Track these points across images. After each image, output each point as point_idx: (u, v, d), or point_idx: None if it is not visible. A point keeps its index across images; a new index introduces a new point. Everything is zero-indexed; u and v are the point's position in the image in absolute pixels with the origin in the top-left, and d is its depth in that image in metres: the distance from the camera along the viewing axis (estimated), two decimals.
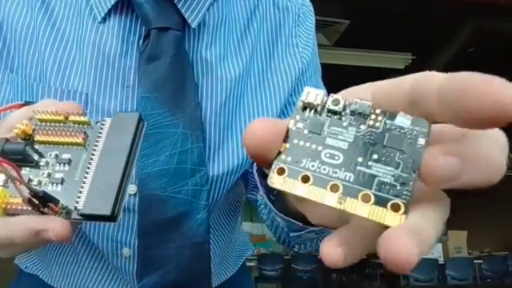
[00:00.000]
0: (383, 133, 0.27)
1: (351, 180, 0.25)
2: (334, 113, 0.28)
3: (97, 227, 0.68)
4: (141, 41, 0.69)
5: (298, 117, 0.28)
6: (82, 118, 0.35)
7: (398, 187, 0.25)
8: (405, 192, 0.25)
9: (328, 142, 0.27)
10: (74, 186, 0.33)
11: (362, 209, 0.25)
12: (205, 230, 0.64)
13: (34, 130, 0.36)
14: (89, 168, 0.33)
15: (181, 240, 0.63)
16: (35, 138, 0.35)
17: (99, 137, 0.35)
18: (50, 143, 0.35)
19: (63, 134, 0.35)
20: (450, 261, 6.78)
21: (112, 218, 0.31)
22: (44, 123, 0.36)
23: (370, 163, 0.26)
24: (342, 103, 0.28)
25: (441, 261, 6.78)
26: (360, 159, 0.26)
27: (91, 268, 0.72)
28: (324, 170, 0.26)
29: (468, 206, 5.95)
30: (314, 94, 0.28)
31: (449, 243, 7.43)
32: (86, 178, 0.33)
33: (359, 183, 0.25)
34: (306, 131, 0.28)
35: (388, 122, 0.27)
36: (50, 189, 0.33)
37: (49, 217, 0.33)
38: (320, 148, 0.27)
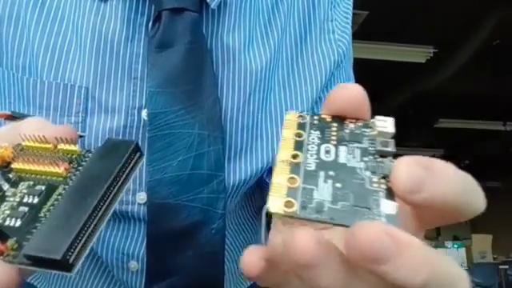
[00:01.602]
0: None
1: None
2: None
3: (101, 237, 0.64)
4: (150, 23, 0.62)
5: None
6: (72, 147, 0.32)
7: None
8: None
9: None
10: (34, 222, 0.29)
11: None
12: (220, 239, 0.59)
13: (13, 157, 0.33)
14: (58, 202, 0.29)
15: (193, 250, 0.59)
16: (12, 166, 0.32)
17: (82, 166, 0.31)
18: (27, 172, 0.32)
19: (45, 162, 0.32)
20: (474, 266, 6.73)
21: (65, 265, 0.26)
22: (29, 150, 0.33)
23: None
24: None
25: (464, 266, 6.73)
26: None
27: (93, 280, 0.68)
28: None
29: (493, 208, 5.89)
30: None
31: (473, 248, 7.37)
32: (49, 213, 0.29)
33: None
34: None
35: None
36: (7, 223, 0.29)
37: None
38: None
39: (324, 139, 0.28)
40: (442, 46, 5.19)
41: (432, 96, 6.37)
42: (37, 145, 0.33)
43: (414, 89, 6.09)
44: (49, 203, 0.30)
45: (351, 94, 0.28)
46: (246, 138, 0.66)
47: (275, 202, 0.25)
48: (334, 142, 0.28)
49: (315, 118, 0.29)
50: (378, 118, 0.29)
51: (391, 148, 0.27)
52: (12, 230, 0.28)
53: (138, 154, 0.32)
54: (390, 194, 0.25)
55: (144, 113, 0.62)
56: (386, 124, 0.28)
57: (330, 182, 0.26)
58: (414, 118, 7.33)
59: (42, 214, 0.29)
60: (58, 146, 0.33)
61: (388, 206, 0.24)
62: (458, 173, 0.26)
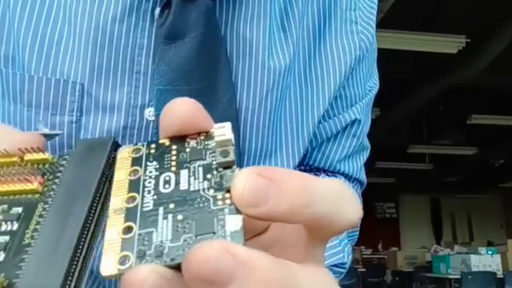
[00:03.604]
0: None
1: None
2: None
3: (98, 253, 0.61)
4: (157, 10, 0.58)
5: None
6: (41, 155, 0.29)
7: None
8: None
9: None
10: (20, 253, 0.26)
11: None
12: None
13: None
14: (41, 226, 0.26)
15: None
16: None
17: (59, 177, 0.28)
18: None
19: (14, 180, 0.29)
20: (510, 274, 6.67)
21: None
22: None
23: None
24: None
25: (499, 274, 6.68)
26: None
27: None
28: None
29: None
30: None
31: (508, 254, 7.31)
32: (34, 240, 0.26)
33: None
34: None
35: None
36: None
37: None
38: None
39: (163, 168, 0.27)
40: (476, 35, 5.14)
41: (464, 90, 6.32)
42: (0, 160, 0.29)
43: (445, 82, 6.04)
44: (31, 227, 0.27)
45: (178, 113, 0.27)
46: (261, 141, 0.64)
47: (107, 264, 0.23)
48: (174, 168, 0.27)
49: (152, 146, 0.28)
50: (215, 126, 0.28)
51: (231, 156, 0.26)
52: None
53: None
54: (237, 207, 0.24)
55: (148, 112, 0.59)
56: (224, 131, 0.27)
57: (170, 217, 0.25)
58: (445, 114, 7.28)
59: (26, 242, 0.26)
60: (25, 157, 0.29)
61: (232, 222, 0.24)
62: (311, 182, 0.24)
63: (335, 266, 0.69)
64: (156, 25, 0.58)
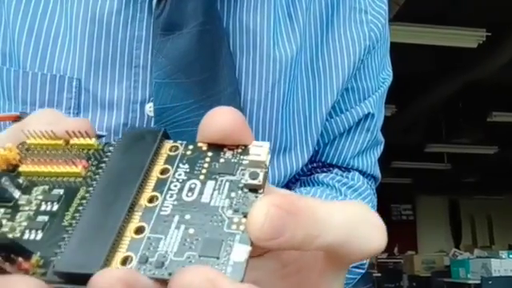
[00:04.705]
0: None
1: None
2: None
3: None
4: (154, 0, 0.58)
5: None
6: (88, 141, 0.30)
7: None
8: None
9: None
10: (59, 233, 0.27)
11: None
12: None
13: (20, 158, 0.31)
14: (83, 208, 0.28)
15: None
16: (20, 169, 0.30)
17: (105, 164, 0.29)
18: (39, 174, 0.30)
19: (58, 161, 0.30)
20: None
21: None
22: (37, 149, 0.31)
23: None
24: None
25: None
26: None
27: None
28: None
29: None
30: None
31: None
32: (76, 221, 0.27)
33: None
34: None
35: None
36: (27, 237, 0.27)
37: (9, 278, 0.24)
38: None
39: (192, 174, 0.28)
40: (496, 28, 5.12)
41: (484, 86, 6.29)
42: (45, 142, 0.31)
43: (465, 78, 6.01)
44: (71, 209, 0.28)
45: (223, 121, 0.27)
46: (269, 137, 0.64)
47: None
48: (203, 177, 0.27)
49: (190, 147, 0.29)
50: (254, 143, 0.28)
51: (259, 180, 0.26)
52: (34, 243, 0.27)
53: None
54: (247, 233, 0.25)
55: (148, 107, 0.59)
56: (260, 150, 0.27)
57: (182, 228, 0.25)
58: (464, 112, 7.25)
59: (65, 223, 0.27)
60: (71, 141, 0.31)
61: (239, 252, 0.24)
62: (328, 209, 0.25)
63: (354, 266, 0.69)
64: (153, 16, 0.58)
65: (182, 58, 0.56)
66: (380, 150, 0.81)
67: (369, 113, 0.74)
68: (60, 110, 0.59)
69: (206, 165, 0.28)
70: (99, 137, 0.32)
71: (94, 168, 0.30)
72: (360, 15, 0.69)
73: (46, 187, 0.29)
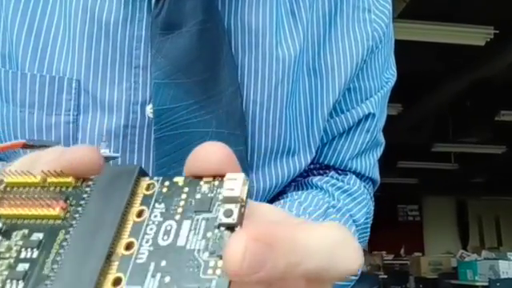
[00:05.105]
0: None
1: None
2: None
3: None
4: (153, 0, 0.58)
5: None
6: (65, 179, 0.30)
7: None
8: None
9: None
10: (39, 283, 0.27)
11: None
12: None
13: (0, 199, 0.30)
14: (63, 255, 0.27)
15: None
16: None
17: (82, 204, 0.29)
18: (18, 217, 0.29)
19: (36, 203, 0.29)
20: None
21: None
22: (16, 188, 0.30)
23: None
24: None
25: None
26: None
27: None
28: None
29: None
30: None
31: None
32: (54, 272, 0.26)
33: None
34: None
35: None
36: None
37: None
38: None
39: (168, 214, 0.27)
40: (505, 26, 5.11)
41: (492, 84, 6.28)
42: (21, 180, 0.30)
43: (472, 76, 6.00)
44: (51, 256, 0.27)
45: (207, 162, 0.27)
46: (272, 139, 0.63)
47: None
48: (179, 217, 0.27)
49: (166, 183, 0.28)
50: (228, 176, 0.27)
51: (233, 218, 0.25)
52: None
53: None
54: (225, 275, 0.24)
55: (149, 109, 0.59)
56: (234, 184, 0.26)
57: (158, 276, 0.25)
58: (471, 110, 7.23)
59: (46, 272, 0.27)
60: (49, 180, 0.30)
61: None
62: (306, 235, 0.25)
63: None
64: (152, 15, 0.57)
65: (182, 57, 0.56)
66: (380, 151, 0.80)
67: (369, 113, 0.73)
68: (59, 112, 0.59)
69: (181, 202, 0.27)
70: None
71: (72, 208, 0.29)
72: (363, 14, 0.69)
73: (26, 231, 0.29)
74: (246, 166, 0.59)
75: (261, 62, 0.61)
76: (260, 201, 0.64)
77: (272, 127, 0.63)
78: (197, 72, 0.56)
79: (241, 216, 0.26)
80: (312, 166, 0.76)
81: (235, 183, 0.26)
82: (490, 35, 5.25)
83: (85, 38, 0.58)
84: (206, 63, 0.57)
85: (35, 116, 0.59)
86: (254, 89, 0.61)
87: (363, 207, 0.74)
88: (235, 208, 0.26)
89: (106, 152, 0.60)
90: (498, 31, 5.17)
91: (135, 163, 0.60)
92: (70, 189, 0.30)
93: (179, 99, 0.56)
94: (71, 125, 0.59)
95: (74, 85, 0.58)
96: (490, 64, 5.69)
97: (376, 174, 0.80)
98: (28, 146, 0.39)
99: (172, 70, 0.56)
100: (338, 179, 0.75)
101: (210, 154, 0.27)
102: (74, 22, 0.58)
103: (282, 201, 0.68)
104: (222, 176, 0.27)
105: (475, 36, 5.28)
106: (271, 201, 0.71)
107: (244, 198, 0.26)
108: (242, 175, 0.27)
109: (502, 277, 6.67)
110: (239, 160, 0.59)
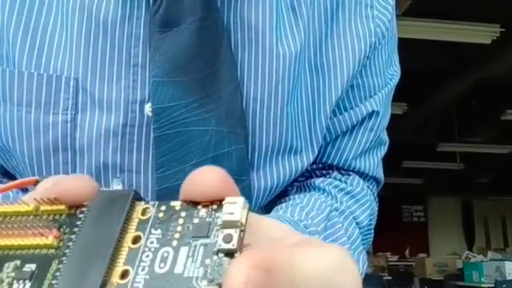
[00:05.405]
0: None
1: None
2: None
3: None
4: None
5: None
6: (58, 206, 0.29)
7: None
8: None
9: None
10: None
11: None
12: None
13: None
14: (55, 284, 0.26)
15: None
16: None
17: (76, 231, 0.28)
18: (10, 248, 0.29)
19: (29, 232, 0.29)
20: None
21: None
22: (8, 218, 0.30)
23: None
24: None
25: None
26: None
27: None
28: None
29: None
30: None
31: None
32: None
33: None
34: None
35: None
36: None
37: None
38: None
39: (165, 240, 0.27)
40: (511, 24, 5.10)
41: (499, 83, 6.27)
42: (13, 209, 0.30)
43: (478, 75, 6.00)
44: (45, 286, 0.27)
45: (204, 187, 0.27)
46: (273, 137, 0.63)
47: None
48: (176, 243, 0.26)
49: (162, 208, 0.28)
50: (227, 199, 0.26)
51: (233, 244, 0.25)
52: None
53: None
54: None
55: (148, 107, 0.59)
56: (233, 208, 0.26)
57: None
58: (477, 110, 7.22)
59: None
60: (41, 207, 0.29)
61: None
62: (304, 259, 0.24)
63: None
64: (150, 13, 0.57)
65: (181, 55, 0.56)
66: (384, 150, 0.80)
67: (373, 111, 0.73)
68: (57, 111, 0.59)
69: (179, 228, 0.27)
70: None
71: (65, 236, 0.28)
72: (366, 10, 0.68)
73: (18, 262, 0.28)
74: (247, 165, 0.59)
75: (261, 59, 0.61)
76: (261, 201, 0.64)
77: (273, 125, 0.62)
78: (196, 70, 0.56)
79: (240, 241, 0.25)
80: (315, 166, 0.75)
81: (235, 207, 0.26)
82: (496, 33, 5.24)
83: (82, 37, 0.58)
84: (205, 61, 0.56)
85: (32, 115, 0.59)
86: (254, 86, 0.61)
87: (366, 209, 0.74)
88: (235, 233, 0.25)
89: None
90: (504, 29, 5.16)
91: (134, 162, 0.60)
92: (63, 216, 0.29)
93: (178, 97, 0.55)
94: (69, 124, 0.59)
95: (71, 83, 0.58)
96: (496, 62, 5.68)
97: (380, 174, 0.79)
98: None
99: (171, 68, 0.56)
100: (340, 180, 0.75)
101: (208, 178, 0.26)
102: (72, 20, 0.58)
103: (283, 204, 0.68)
104: (220, 201, 0.27)
105: (481, 34, 5.27)
106: (273, 201, 0.71)
107: (244, 223, 0.26)
108: (241, 199, 0.26)
109: (509, 278, 6.66)
110: (240, 157, 0.58)
